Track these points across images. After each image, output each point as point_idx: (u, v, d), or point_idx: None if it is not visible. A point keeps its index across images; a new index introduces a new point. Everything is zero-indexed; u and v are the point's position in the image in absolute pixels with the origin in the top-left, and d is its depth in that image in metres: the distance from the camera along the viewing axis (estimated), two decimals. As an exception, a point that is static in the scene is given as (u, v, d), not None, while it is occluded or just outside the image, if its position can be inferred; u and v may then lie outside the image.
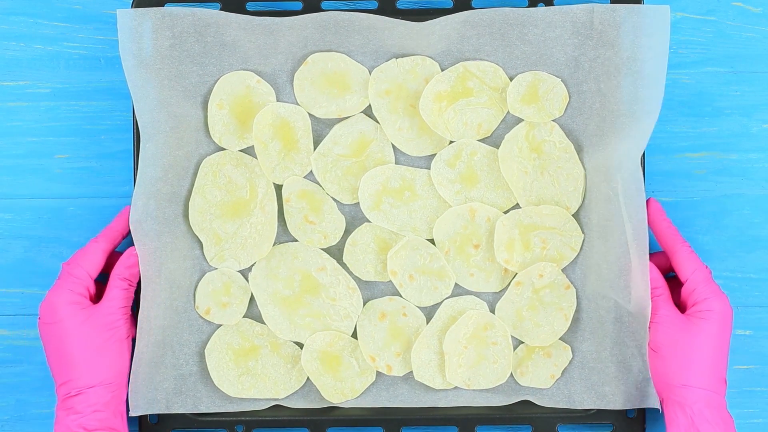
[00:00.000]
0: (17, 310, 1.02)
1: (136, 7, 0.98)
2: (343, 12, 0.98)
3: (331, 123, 1.01)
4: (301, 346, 1.00)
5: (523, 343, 1.01)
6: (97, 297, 0.98)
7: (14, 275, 1.02)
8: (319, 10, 0.99)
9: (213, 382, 0.99)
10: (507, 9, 0.98)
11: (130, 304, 0.98)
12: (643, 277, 0.96)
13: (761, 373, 1.03)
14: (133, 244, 0.97)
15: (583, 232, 1.00)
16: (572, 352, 1.00)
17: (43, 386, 1.02)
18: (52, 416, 0.98)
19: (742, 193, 1.03)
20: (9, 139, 1.02)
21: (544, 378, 1.00)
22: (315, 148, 1.00)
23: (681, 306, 0.97)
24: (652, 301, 0.96)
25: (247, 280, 1.00)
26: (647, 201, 0.98)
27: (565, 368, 1.00)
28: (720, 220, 1.03)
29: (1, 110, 1.02)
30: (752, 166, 1.03)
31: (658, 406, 0.97)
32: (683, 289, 0.97)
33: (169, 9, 0.97)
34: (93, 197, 1.02)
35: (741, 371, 1.02)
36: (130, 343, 0.97)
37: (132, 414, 0.97)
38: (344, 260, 1.00)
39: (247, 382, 1.00)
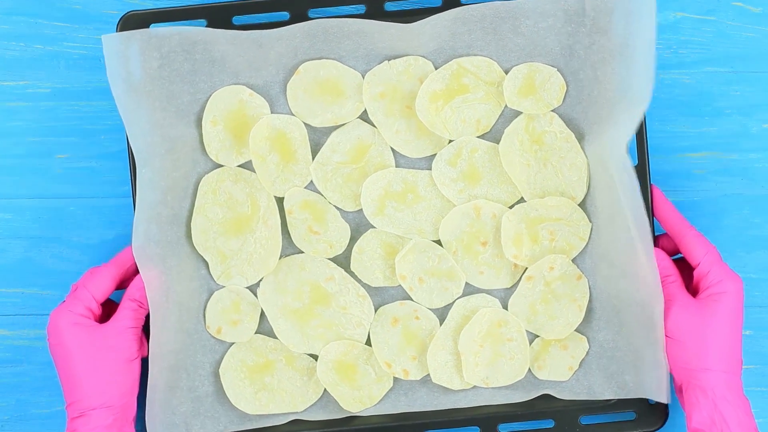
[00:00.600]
0: (17, 310, 1.02)
1: (121, 30, 0.97)
2: (331, 19, 0.97)
3: (328, 131, 1.00)
4: (315, 357, 0.99)
5: (538, 337, 1.00)
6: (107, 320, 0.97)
7: (14, 275, 1.02)
8: (306, 18, 0.98)
9: (230, 401, 0.99)
10: (497, 2, 0.96)
11: (140, 325, 0.97)
12: (650, 264, 0.94)
13: (761, 373, 1.02)
14: None
15: (590, 221, 0.99)
16: (588, 342, 0.99)
17: (43, 386, 1.01)
18: (52, 416, 0.99)
19: (742, 193, 1.02)
20: (9, 139, 1.02)
21: (562, 371, 0.99)
22: (313, 158, 0.99)
23: (692, 289, 0.96)
24: (665, 288, 0.95)
25: (256, 296, 0.99)
26: (650, 188, 0.97)
27: (583, 359, 0.99)
28: (720, 220, 1.02)
29: (1, 110, 1.02)
30: (752, 166, 1.02)
31: (666, 400, 0.95)
32: (696, 273, 0.95)
33: (155, 30, 0.96)
34: (93, 197, 1.02)
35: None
36: (139, 364, 0.96)
37: (150, 440, 0.97)
38: (352, 268, 0.99)
39: (265, 398, 0.99)
